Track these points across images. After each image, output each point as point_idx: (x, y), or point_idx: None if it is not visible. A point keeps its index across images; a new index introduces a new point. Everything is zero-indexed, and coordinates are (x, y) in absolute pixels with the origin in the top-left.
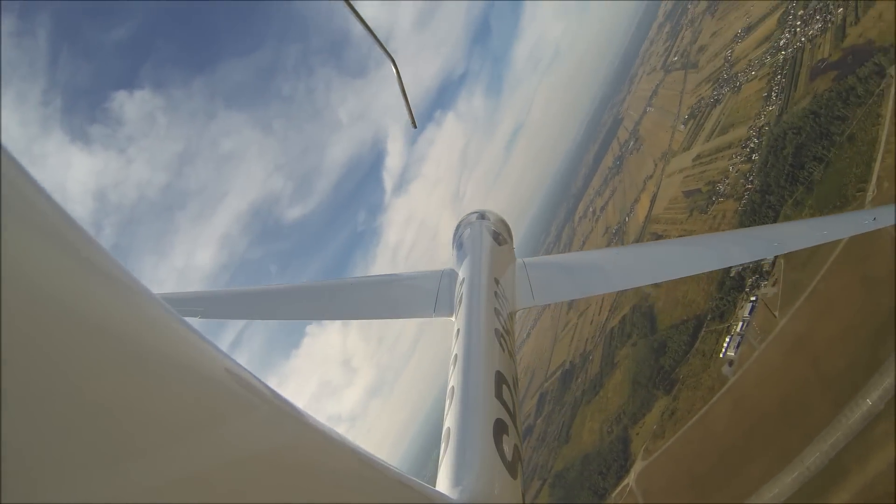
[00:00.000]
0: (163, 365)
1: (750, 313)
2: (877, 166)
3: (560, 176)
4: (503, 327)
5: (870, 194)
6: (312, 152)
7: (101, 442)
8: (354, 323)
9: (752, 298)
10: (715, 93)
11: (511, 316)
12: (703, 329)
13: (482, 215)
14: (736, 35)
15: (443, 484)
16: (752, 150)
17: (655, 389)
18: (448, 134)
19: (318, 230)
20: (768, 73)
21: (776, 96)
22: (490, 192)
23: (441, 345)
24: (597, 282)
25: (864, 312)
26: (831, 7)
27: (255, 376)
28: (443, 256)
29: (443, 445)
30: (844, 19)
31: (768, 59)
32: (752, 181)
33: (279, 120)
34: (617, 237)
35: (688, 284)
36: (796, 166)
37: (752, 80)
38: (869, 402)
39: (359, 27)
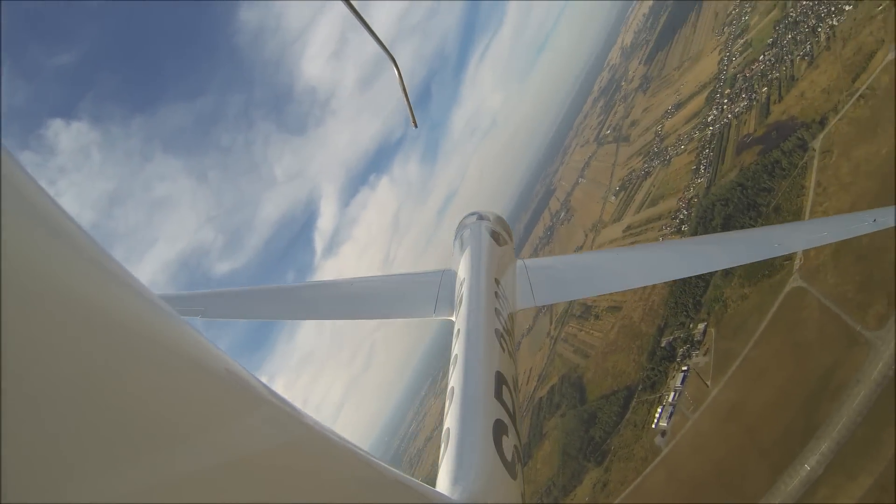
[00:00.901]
0: (163, 365)
1: (682, 383)
2: None
3: None
4: (503, 327)
5: (797, 263)
6: (246, 207)
7: (101, 442)
8: (280, 380)
9: (684, 368)
10: (645, 165)
11: (511, 316)
12: (634, 399)
13: (481, 216)
14: (666, 111)
15: (443, 484)
16: (682, 222)
17: (586, 461)
18: (381, 198)
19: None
20: (697, 148)
21: (704, 169)
22: (420, 258)
23: (370, 406)
24: (597, 282)
25: (797, 379)
26: (756, 86)
27: (255, 377)
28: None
29: (443, 446)
30: (768, 97)
31: (697, 134)
32: None
33: (215, 170)
34: (544, 309)
35: (617, 355)
36: None
37: (681, 153)
38: (807, 467)
39: (360, 28)
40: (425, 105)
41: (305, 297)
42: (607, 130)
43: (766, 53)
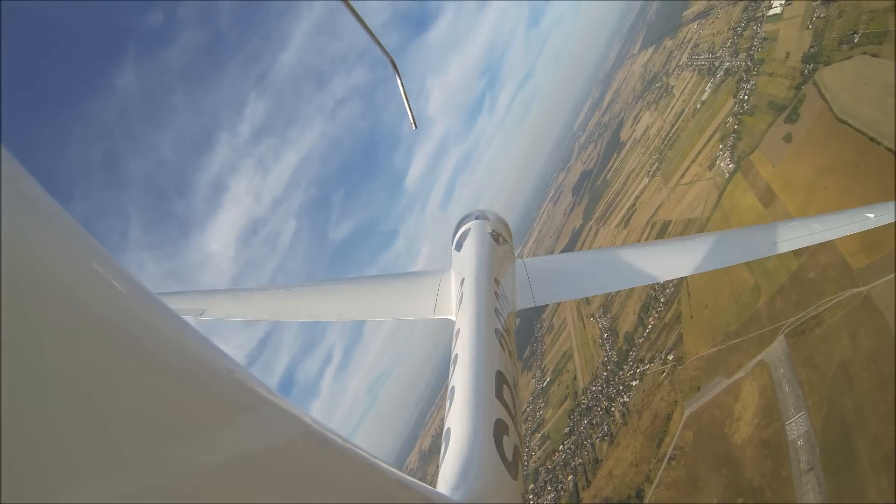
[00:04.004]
0: (163, 365)
1: None
2: None
3: None
4: (503, 327)
5: None
6: None
7: (101, 442)
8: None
9: None
10: None
11: (511, 316)
12: None
13: (481, 215)
14: None
15: (443, 484)
16: None
17: None
18: None
19: None
20: None
21: None
22: None
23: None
24: (598, 282)
25: None
26: (560, 476)
27: (255, 377)
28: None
29: (443, 446)
30: (576, 485)
31: None
32: None
33: None
34: None
35: None
36: None
37: None
38: None
39: (359, 28)
40: None
41: (306, 297)
42: None
43: (565, 443)
